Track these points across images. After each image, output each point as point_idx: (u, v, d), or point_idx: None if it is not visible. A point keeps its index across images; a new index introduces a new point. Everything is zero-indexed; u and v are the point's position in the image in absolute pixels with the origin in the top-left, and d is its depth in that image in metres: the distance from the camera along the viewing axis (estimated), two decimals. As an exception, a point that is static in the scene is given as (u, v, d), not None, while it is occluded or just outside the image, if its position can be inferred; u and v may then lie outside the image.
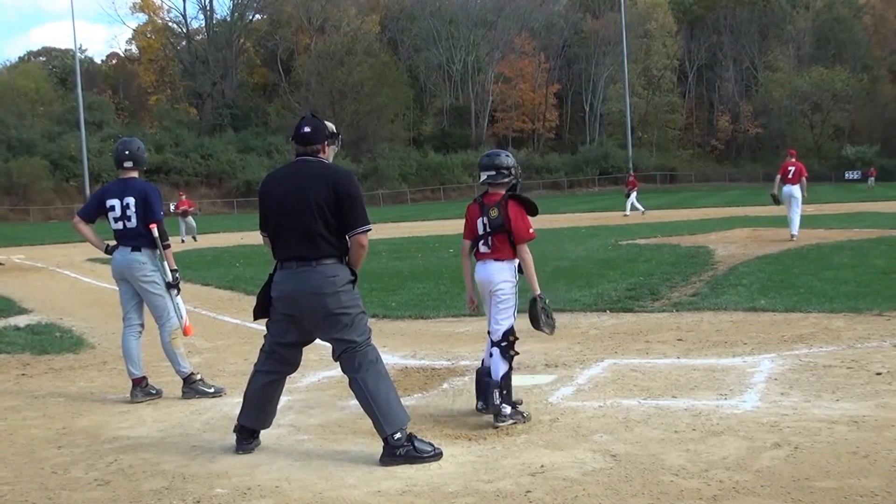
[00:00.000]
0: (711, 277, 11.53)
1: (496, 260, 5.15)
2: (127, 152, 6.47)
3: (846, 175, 70.74)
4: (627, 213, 32.58)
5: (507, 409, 5.03)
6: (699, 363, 6.55)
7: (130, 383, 6.34)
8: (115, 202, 6.33)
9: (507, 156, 5.32)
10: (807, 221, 22.48)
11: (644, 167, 77.38)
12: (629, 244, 18.17)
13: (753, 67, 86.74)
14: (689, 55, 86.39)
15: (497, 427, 4.95)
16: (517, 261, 5.18)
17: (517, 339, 5.22)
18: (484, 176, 5.24)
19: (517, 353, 5.27)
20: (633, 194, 33.29)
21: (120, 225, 6.32)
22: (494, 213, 5.13)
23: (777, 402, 5.28)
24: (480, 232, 5.20)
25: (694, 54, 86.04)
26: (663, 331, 8.00)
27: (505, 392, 5.06)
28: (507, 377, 5.10)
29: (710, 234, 19.43)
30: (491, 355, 5.16)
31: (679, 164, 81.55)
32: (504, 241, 5.14)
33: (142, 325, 6.51)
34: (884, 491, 3.75)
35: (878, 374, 5.88)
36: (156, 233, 6.31)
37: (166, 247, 6.38)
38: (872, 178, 57.38)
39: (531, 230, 5.17)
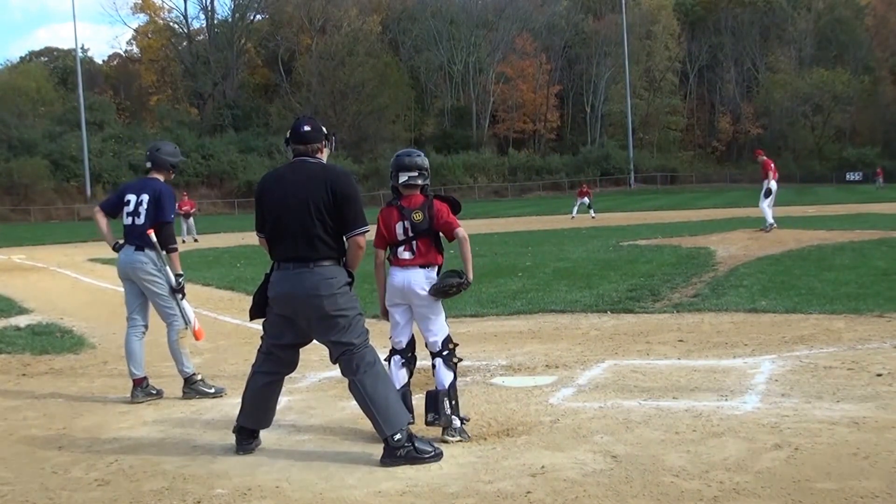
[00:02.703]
0: (712, 278, 11.52)
1: (422, 267, 4.89)
2: (150, 152, 6.59)
3: (847, 176, 70.77)
4: (594, 215, 34.27)
5: (458, 423, 4.88)
6: (700, 364, 6.54)
7: (131, 383, 6.34)
8: (132, 197, 6.42)
9: (424, 156, 5.08)
10: (808, 223, 22.51)
11: (645, 168, 77.49)
12: (630, 245, 18.16)
13: (755, 68, 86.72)
14: (691, 56, 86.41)
15: (447, 441, 4.76)
16: (437, 266, 4.96)
17: (457, 345, 5.06)
18: (405, 177, 4.93)
19: (460, 360, 5.13)
20: (582, 200, 35.45)
21: (129, 220, 6.39)
22: (419, 216, 4.88)
23: (777, 404, 5.27)
24: (401, 237, 4.91)
25: (695, 55, 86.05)
26: (664, 332, 8.00)
27: (454, 402, 4.92)
28: (453, 386, 4.94)
29: (710, 236, 19.41)
30: (434, 367, 4.97)
31: (680, 165, 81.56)
32: (429, 244, 4.90)
33: (145, 327, 6.52)
34: (884, 492, 3.75)
35: (879, 375, 5.88)
36: (153, 237, 6.32)
37: (172, 250, 6.39)
38: (881, 179, 57.34)
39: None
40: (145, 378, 6.36)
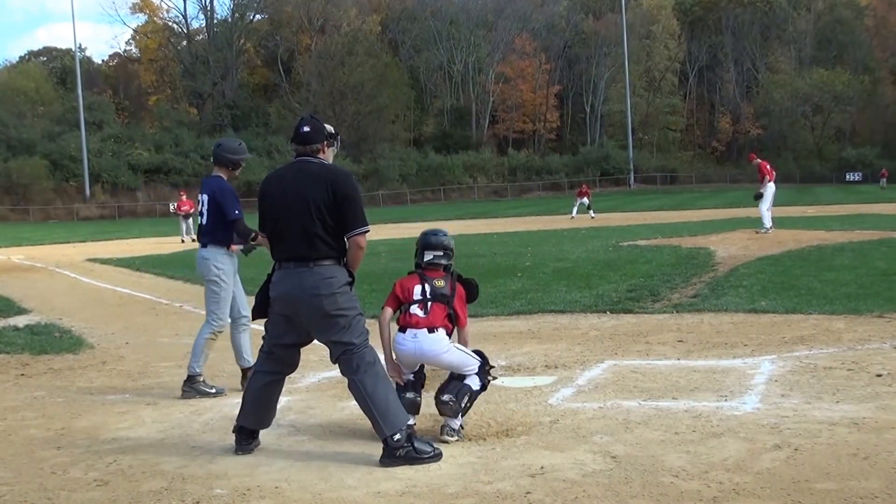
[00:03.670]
0: (712, 279, 11.52)
1: (430, 330, 4.83)
2: (214, 148, 6.67)
3: (847, 177, 70.87)
4: (593, 215, 34.84)
5: (457, 423, 4.88)
6: (699, 364, 6.54)
7: (181, 381, 6.38)
8: (201, 196, 6.55)
9: (451, 237, 5.17)
10: (808, 223, 22.52)
11: (645, 168, 77.56)
12: (630, 245, 18.16)
13: (754, 69, 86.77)
14: (690, 56, 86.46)
15: (446, 441, 4.76)
16: (446, 332, 4.94)
17: (494, 367, 5.13)
18: (430, 255, 5.03)
19: (494, 378, 5.17)
20: (581, 200, 36.29)
21: (200, 220, 6.52)
22: (441, 283, 4.95)
23: (777, 404, 5.27)
24: (417, 297, 4.91)
25: (695, 55, 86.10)
26: (664, 332, 7.99)
27: (469, 405, 4.92)
28: (477, 392, 4.95)
29: (710, 236, 19.41)
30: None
31: (680, 166, 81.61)
32: (442, 311, 4.89)
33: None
34: (884, 493, 3.74)
35: (879, 375, 5.87)
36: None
37: (253, 240, 6.27)
38: (884, 179, 57.47)
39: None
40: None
